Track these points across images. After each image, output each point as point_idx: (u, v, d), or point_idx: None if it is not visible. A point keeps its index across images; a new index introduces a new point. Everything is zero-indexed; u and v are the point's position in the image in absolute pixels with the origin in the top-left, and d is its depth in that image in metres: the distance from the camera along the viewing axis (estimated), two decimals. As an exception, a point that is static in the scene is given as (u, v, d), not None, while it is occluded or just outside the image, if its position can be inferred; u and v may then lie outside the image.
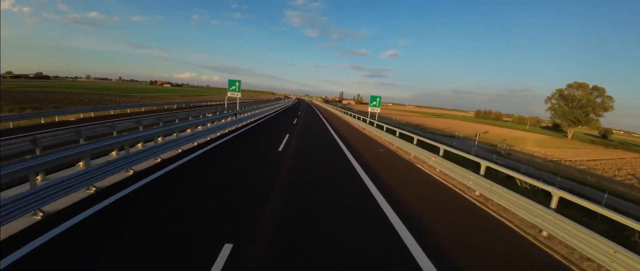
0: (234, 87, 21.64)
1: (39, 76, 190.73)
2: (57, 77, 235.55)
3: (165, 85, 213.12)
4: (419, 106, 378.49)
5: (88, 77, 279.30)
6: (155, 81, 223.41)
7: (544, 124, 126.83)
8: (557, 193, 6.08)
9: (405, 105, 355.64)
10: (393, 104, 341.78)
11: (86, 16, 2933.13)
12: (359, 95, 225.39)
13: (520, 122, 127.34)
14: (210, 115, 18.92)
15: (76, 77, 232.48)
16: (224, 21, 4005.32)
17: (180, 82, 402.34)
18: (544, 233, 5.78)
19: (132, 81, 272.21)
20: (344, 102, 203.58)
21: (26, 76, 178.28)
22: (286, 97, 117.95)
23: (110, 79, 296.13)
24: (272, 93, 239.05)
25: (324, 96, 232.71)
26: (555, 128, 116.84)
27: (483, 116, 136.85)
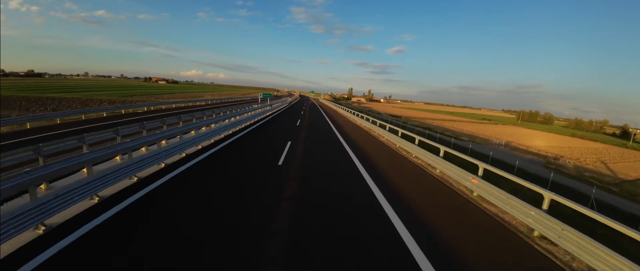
0: None
1: (30, 74, 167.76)
2: (60, 74, 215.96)
3: (161, 82, 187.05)
4: (428, 103, 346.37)
5: (86, 74, 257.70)
6: (150, 78, 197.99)
7: (608, 131, 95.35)
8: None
9: (414, 102, 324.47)
10: (401, 101, 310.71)
11: (94, 15, 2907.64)
12: (370, 91, 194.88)
13: (578, 127, 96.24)
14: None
15: (66, 75, 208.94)
16: (230, 19, 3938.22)
17: (186, 80, 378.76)
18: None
19: (136, 78, 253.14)
20: (354, 99, 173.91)
21: (16, 74, 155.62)
22: (262, 95, 58.21)
23: (111, 77, 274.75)
24: (277, 90, 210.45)
25: (330, 93, 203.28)
26: (625, 136, 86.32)
27: (528, 118, 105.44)
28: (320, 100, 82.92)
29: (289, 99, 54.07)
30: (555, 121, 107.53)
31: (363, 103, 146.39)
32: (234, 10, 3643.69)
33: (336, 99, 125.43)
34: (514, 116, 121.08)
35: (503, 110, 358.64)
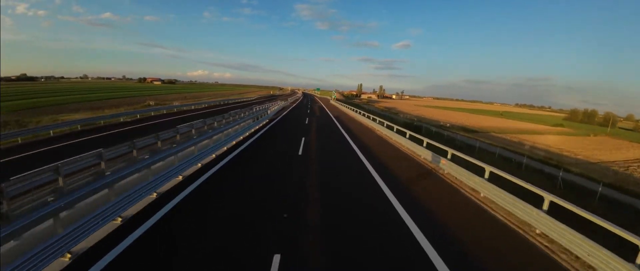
0: None
1: (22, 78, 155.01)
2: (63, 77, 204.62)
3: (156, 82, 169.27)
4: (436, 98, 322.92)
5: (85, 76, 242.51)
6: (145, 79, 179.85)
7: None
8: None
9: (423, 97, 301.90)
10: (409, 96, 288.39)
11: (100, 17, 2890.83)
12: (381, 88, 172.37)
13: (649, 129, 74.11)
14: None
15: (61, 78, 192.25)
16: (235, 18, 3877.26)
17: (190, 80, 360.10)
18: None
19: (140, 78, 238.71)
20: (364, 97, 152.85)
21: (8, 79, 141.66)
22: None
23: (111, 78, 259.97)
24: (280, 88, 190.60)
25: (336, 90, 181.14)
26: None
27: (584, 119, 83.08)
28: (332, 102, 55.92)
29: (276, 108, 28.50)
30: (620, 123, 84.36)
31: (375, 101, 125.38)
32: (239, 9, 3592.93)
33: (347, 98, 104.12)
34: (560, 114, 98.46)
35: (517, 104, 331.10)
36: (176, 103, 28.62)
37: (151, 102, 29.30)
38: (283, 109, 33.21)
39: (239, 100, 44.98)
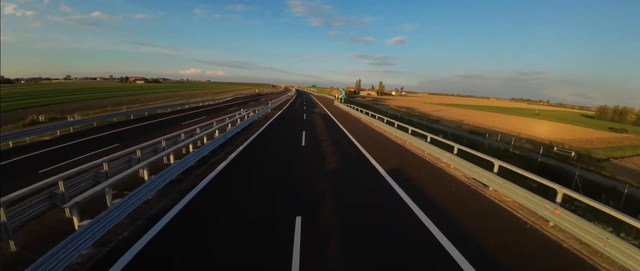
0: None
1: (1, 81, 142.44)
2: (49, 79, 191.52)
3: (139, 82, 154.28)
4: (431, 93, 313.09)
5: (68, 77, 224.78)
6: (127, 78, 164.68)
7: None
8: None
9: (418, 93, 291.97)
10: (406, 92, 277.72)
11: (89, 17, 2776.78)
12: (381, 84, 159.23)
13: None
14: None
15: (47, 78, 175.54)
16: (227, 15, 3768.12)
17: (182, 78, 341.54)
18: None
19: (122, 78, 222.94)
20: (363, 93, 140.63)
21: None
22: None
23: (96, 78, 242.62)
24: (273, 86, 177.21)
25: (331, 87, 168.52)
26: None
27: (614, 116, 72.10)
28: (336, 104, 41.19)
29: (230, 130, 13.85)
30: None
31: (380, 99, 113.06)
32: (231, 6, 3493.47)
33: (348, 97, 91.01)
34: (566, 109, 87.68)
35: (513, 99, 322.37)
36: (76, 117, 15.74)
37: (41, 117, 16.54)
38: (251, 128, 17.30)
39: (200, 105, 31.40)
